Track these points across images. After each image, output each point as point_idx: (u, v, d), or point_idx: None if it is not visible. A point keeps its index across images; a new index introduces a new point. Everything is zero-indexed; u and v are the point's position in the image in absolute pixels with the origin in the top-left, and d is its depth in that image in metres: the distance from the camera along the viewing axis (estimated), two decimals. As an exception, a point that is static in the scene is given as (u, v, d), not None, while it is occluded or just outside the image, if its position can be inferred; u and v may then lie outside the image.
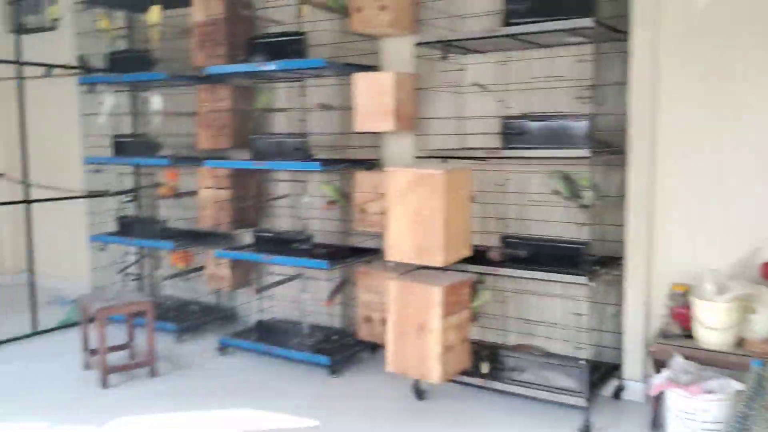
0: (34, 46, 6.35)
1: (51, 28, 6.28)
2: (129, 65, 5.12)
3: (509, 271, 3.60)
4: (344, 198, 4.52)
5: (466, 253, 3.66)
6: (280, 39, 4.32)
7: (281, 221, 5.03)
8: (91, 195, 5.45)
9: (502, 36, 3.59)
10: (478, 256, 3.77)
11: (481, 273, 3.71)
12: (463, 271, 3.69)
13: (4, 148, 6.45)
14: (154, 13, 4.97)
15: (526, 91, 4.00)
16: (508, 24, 3.60)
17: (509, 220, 4.09)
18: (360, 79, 4.15)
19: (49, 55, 5.68)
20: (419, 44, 3.90)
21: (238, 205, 4.82)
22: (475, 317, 3.82)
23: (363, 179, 4.32)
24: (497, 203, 4.09)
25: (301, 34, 4.25)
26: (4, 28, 6.43)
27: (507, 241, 3.84)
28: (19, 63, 5.04)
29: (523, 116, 3.67)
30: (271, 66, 4.26)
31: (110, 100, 5.30)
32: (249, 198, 4.88)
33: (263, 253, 4.46)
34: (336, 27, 4.51)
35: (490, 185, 4.08)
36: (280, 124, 5.02)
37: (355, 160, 4.49)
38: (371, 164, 4.47)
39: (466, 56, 4.20)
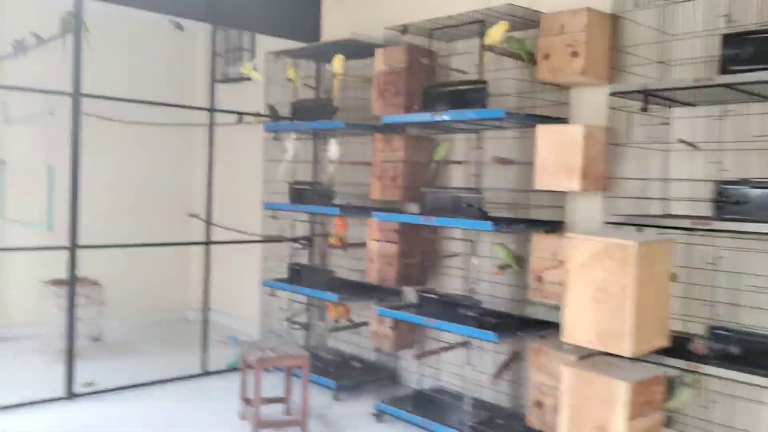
0: (231, 95, 6.77)
1: (248, 79, 6.62)
2: (311, 113, 5.14)
3: (717, 371, 2.91)
4: (518, 263, 4.07)
5: (662, 342, 3.04)
6: (458, 88, 4.04)
7: (450, 281, 4.68)
8: (266, 240, 5.51)
9: (719, 86, 2.99)
10: (678, 348, 3.12)
11: (680, 369, 3.05)
12: (656, 363, 3.06)
13: (200, 189, 6.82)
14: (338, 63, 4.95)
15: (745, 152, 3.32)
16: (725, 72, 3.00)
17: (719, 306, 3.37)
18: (544, 132, 3.72)
19: (242, 103, 5.96)
20: (615, 94, 3.40)
21: (406, 261, 4.56)
22: (669, 422, 3.15)
23: (541, 243, 3.84)
24: (704, 285, 3.39)
25: (482, 82, 3.94)
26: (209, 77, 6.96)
27: (715, 332, 3.14)
28: (211, 110, 5.26)
29: (742, 182, 3.01)
30: (448, 116, 3.98)
31: (291, 147, 5.36)
32: (417, 254, 4.60)
33: (426, 315, 4.12)
34: (520, 75, 4.14)
35: (696, 262, 3.41)
36: (455, 177, 4.72)
37: (533, 221, 4.04)
38: (552, 227, 3.98)
39: (672, 108, 3.61)
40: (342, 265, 5.44)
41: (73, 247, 4.62)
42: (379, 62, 4.72)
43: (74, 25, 4.47)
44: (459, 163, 4.64)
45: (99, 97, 4.68)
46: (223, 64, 6.96)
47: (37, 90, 4.50)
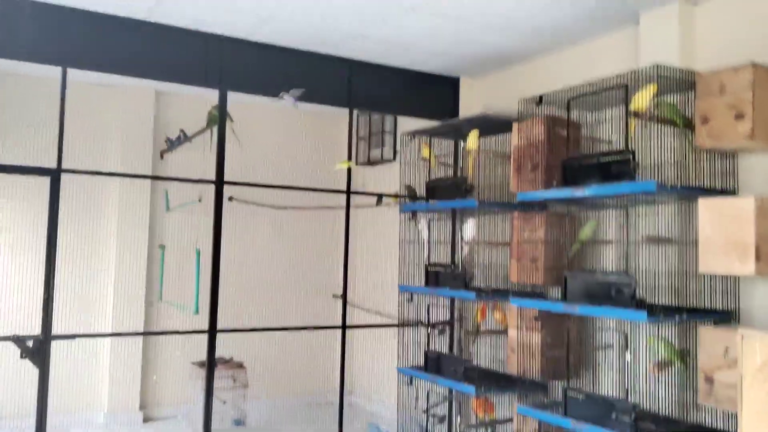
0: (375, 177, 6.79)
1: (391, 160, 6.61)
2: (446, 192, 4.94)
3: None
4: (682, 359, 3.47)
5: None
6: (602, 160, 3.65)
7: (601, 378, 4.13)
8: (402, 324, 5.28)
9: None
10: None
11: None
12: None
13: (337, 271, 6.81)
14: (472, 140, 4.75)
15: None
16: None
17: None
18: (707, 205, 3.21)
19: (385, 185, 5.93)
20: (792, 159, 2.86)
21: (550, 353, 4.10)
22: None
23: (709, 337, 3.25)
24: None
25: (628, 152, 3.52)
26: (355, 161, 7.07)
27: None
28: (348, 192, 5.24)
29: None
30: (590, 191, 3.58)
31: (426, 227, 5.17)
32: (562, 345, 4.12)
33: (574, 417, 3.62)
34: (674, 143, 3.66)
35: None
36: (602, 259, 4.23)
37: (698, 310, 3.46)
38: (721, 317, 3.38)
39: None
40: (481, 353, 5.05)
41: (212, 331, 4.67)
42: (515, 136, 4.45)
43: (218, 118, 4.67)
44: (606, 243, 4.17)
45: (240, 184, 4.82)
46: (365, 147, 7.05)
47: (185, 179, 4.73)
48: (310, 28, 4.52)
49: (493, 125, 4.79)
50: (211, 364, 4.70)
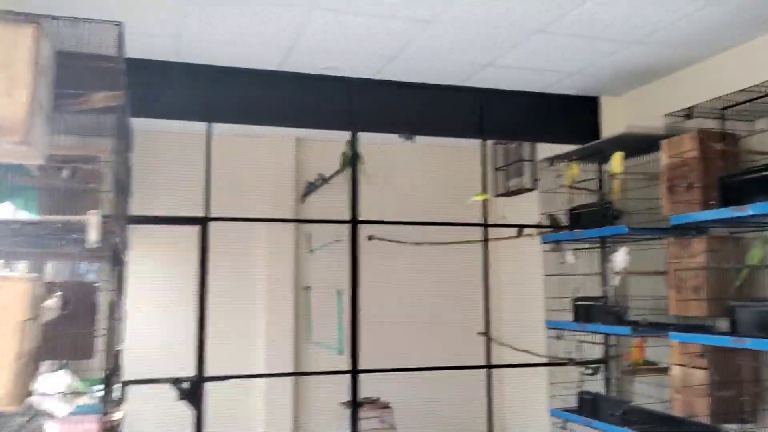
0: (513, 208, 6.57)
1: (531, 189, 6.37)
2: (591, 220, 4.64)
3: None
4: None
5: None
6: (765, 174, 3.23)
7: (786, 421, 3.59)
8: (550, 363, 4.98)
9: None
10: None
11: None
12: None
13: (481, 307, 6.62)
14: (616, 161, 4.43)
15: None
16: None
17: None
18: None
19: (524, 216, 5.71)
20: None
21: (719, 392, 3.64)
22: None
23: None
24: None
25: (799, 163, 3.09)
26: (492, 192, 6.89)
27: None
28: (485, 225, 5.08)
29: None
30: (754, 210, 3.17)
31: (571, 258, 4.87)
32: (734, 384, 3.65)
33: (753, 468, 3.16)
34: None
35: None
36: (777, 286, 3.72)
37: None
38: None
39: None
40: (643, 393, 4.62)
41: (354, 371, 4.66)
42: (664, 155, 4.09)
43: (350, 159, 4.74)
44: (780, 267, 3.67)
45: (373, 222, 4.84)
46: (503, 178, 6.85)
47: (320, 221, 4.82)
48: (436, 61, 4.49)
49: (638, 145, 4.45)
50: (354, 404, 4.69)
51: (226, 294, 6.17)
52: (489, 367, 5.03)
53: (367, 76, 4.76)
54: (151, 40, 4.08)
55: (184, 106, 4.45)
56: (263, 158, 6.47)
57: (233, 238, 6.25)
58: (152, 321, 5.80)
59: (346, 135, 4.88)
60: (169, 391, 4.29)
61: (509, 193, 6.75)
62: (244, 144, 6.41)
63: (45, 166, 2.62)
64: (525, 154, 6.59)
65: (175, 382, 4.27)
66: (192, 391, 4.29)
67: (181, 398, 4.29)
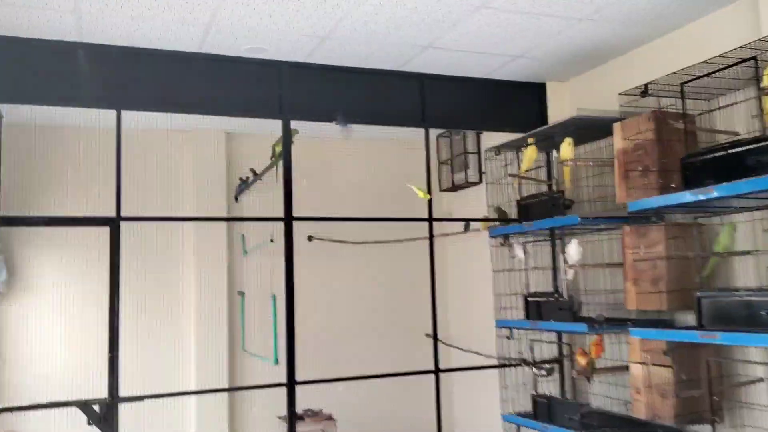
0: (461, 203, 6.26)
1: (477, 183, 6.07)
2: (540, 211, 4.34)
3: None
4: None
5: None
6: (730, 153, 2.97)
7: (754, 420, 3.35)
8: (501, 365, 4.66)
9: None
10: None
11: None
12: None
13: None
14: (566, 148, 4.15)
15: None
16: None
17: None
18: None
19: (472, 210, 5.39)
20: None
21: (685, 392, 3.38)
22: None
23: None
24: None
25: (765, 139, 2.83)
26: (438, 187, 6.56)
27: None
28: (430, 220, 4.73)
29: None
30: (719, 191, 2.90)
31: (520, 252, 4.57)
32: (700, 382, 3.39)
33: (726, 474, 2.89)
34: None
35: None
36: (742, 275, 3.48)
37: None
38: None
39: None
40: (600, 393, 4.35)
41: (291, 384, 4.24)
42: (617, 138, 3.81)
43: (281, 153, 4.32)
44: (746, 253, 3.42)
45: (309, 219, 4.43)
46: (448, 172, 6.53)
47: (251, 219, 4.39)
48: (373, 42, 4.11)
49: (589, 130, 4.18)
50: (291, 419, 4.26)
51: (150, 302, 5.65)
52: (437, 371, 4.67)
53: (297, 60, 4.35)
54: (48, 16, 3.57)
55: (90, 92, 3.93)
56: (191, 154, 5.97)
57: (159, 241, 5.74)
58: (61, 336, 5.22)
59: (279, 127, 4.44)
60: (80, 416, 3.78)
61: (455, 188, 6.44)
62: (169, 138, 5.89)
63: None
64: (470, 146, 6.29)
65: (84, 405, 3.75)
66: (104, 415, 3.79)
67: (91, 423, 3.78)
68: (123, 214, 3.96)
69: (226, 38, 3.97)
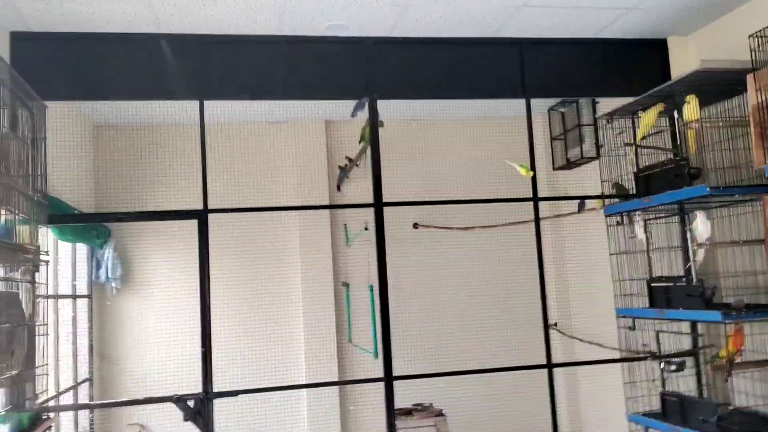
0: (576, 180, 5.74)
1: (593, 158, 5.52)
2: (662, 183, 3.78)
3: None
4: None
5: None
6: None
7: None
8: (625, 359, 4.14)
9: None
10: None
11: None
12: None
13: (554, 295, 5.77)
14: (692, 108, 3.58)
15: None
16: None
17: None
18: None
19: (589, 188, 4.89)
20: None
21: None
22: None
23: None
24: None
25: None
26: (549, 165, 6.06)
27: None
28: (535, 200, 4.29)
29: None
30: None
31: (640, 232, 4.03)
32: None
33: None
34: None
35: None
36: None
37: None
38: None
39: None
40: (741, 391, 3.73)
41: (389, 379, 3.99)
42: (751, 91, 3.21)
43: (369, 136, 4.07)
44: None
45: (397, 204, 4.13)
46: (562, 148, 6.00)
47: (341, 206, 4.19)
48: (460, 6, 3.75)
49: (716, 86, 3.58)
50: (390, 415, 4.02)
51: (258, 295, 5.62)
52: (549, 366, 4.23)
53: (380, 34, 4.07)
54: (123, 8, 3.54)
55: (172, 83, 3.89)
56: (292, 146, 5.89)
57: (264, 234, 5.69)
58: (170, 330, 5.30)
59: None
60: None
61: (570, 165, 5.91)
62: (269, 131, 5.84)
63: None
64: (584, 117, 5.73)
65: (178, 400, 3.72)
66: (198, 410, 3.73)
67: (187, 418, 3.74)
68: (212, 206, 3.89)
69: (304, 17, 3.77)
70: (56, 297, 4.73)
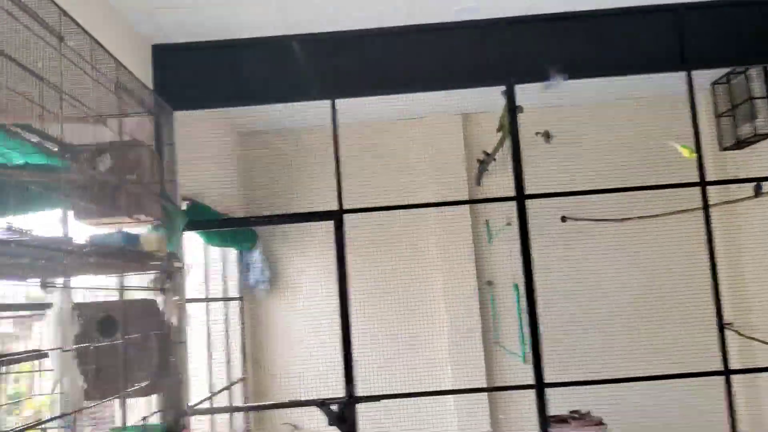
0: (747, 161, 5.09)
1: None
2: None
3: None
4: None
5: None
6: None
7: None
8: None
9: None
10: None
11: None
12: None
13: (727, 290, 5.13)
14: None
15: None
16: None
17: None
18: None
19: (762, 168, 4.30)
20: None
21: None
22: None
23: None
24: None
25: None
26: (715, 146, 5.41)
27: None
28: (703, 184, 3.79)
29: None
30: None
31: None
32: None
33: None
34: None
35: None
36: None
37: None
38: None
39: None
40: None
41: (540, 386, 3.70)
42: None
43: (508, 126, 3.80)
44: None
45: (541, 196, 3.82)
46: (731, 125, 5.34)
47: (480, 200, 3.96)
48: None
49: None
50: (543, 425, 3.72)
51: (399, 297, 5.50)
52: (726, 373, 3.72)
53: (514, 14, 3.78)
54: (254, 11, 3.55)
55: (303, 84, 3.85)
56: (428, 141, 5.72)
57: (402, 233, 5.56)
58: (316, 332, 5.31)
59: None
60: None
61: (741, 144, 5.24)
62: (404, 128, 5.72)
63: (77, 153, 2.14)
64: (756, 89, 5.04)
65: (322, 404, 3.67)
66: (341, 415, 3.66)
67: (331, 423, 3.68)
68: (348, 206, 3.82)
69: (432, 4, 3.58)
70: (206, 300, 4.89)
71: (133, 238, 2.26)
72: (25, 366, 2.24)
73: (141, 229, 2.40)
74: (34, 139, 2.66)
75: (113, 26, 3.32)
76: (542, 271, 3.82)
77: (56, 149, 2.64)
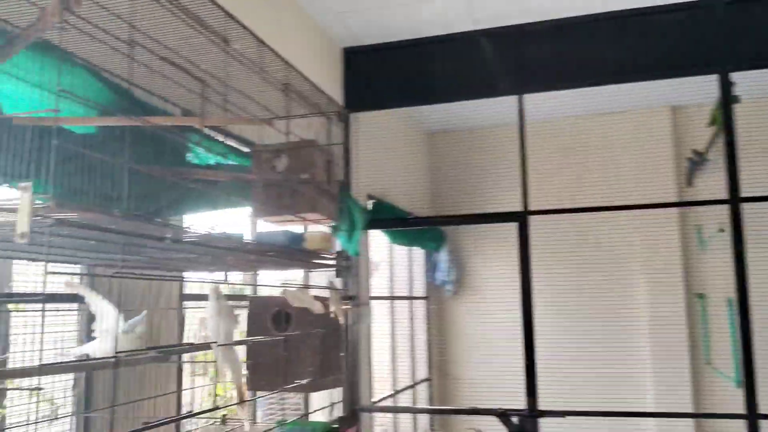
0: None
1: None
2: None
3: None
4: None
5: None
6: None
7: None
8: None
9: None
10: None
11: None
12: None
13: None
14: None
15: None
16: None
17: None
18: None
19: None
20: None
21: None
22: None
23: None
24: None
25: None
26: None
27: None
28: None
29: None
30: None
31: None
32: None
33: None
34: None
35: None
36: None
37: None
38: None
39: None
40: None
41: (752, 417, 3.20)
42: None
43: (721, 118, 3.34)
44: None
45: (761, 199, 3.29)
46: None
47: (684, 203, 3.50)
48: None
49: None
50: (758, 466, 3.21)
51: (590, 306, 5.12)
52: None
53: (731, -9, 3.31)
54: (444, 9, 3.49)
55: (491, 81, 3.71)
56: (630, 137, 5.25)
57: (602, 237, 5.16)
58: (501, 337, 5.11)
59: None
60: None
61: None
62: (599, 123, 5.30)
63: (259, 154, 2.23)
64: None
65: (502, 414, 3.51)
66: (522, 428, 3.47)
67: (511, 434, 3.50)
68: (535, 207, 3.62)
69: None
70: (391, 298, 4.95)
71: (297, 237, 2.31)
72: (199, 356, 2.39)
73: (311, 228, 2.44)
74: (228, 141, 2.86)
75: (305, 32, 3.46)
76: (759, 284, 3.31)
77: (246, 150, 2.80)
